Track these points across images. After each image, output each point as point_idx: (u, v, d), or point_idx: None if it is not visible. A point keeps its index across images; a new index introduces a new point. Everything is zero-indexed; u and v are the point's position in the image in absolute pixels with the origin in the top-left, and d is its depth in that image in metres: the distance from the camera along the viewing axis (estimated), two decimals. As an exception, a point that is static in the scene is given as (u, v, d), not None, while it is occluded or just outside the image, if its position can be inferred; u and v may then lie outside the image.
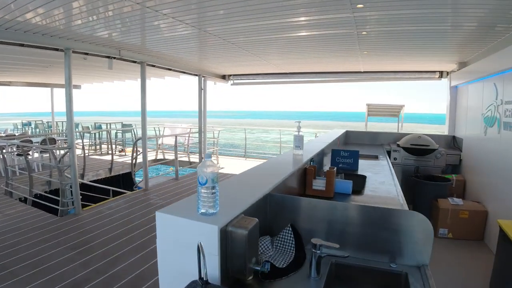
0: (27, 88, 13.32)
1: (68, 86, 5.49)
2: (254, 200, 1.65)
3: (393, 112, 10.85)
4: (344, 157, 4.16)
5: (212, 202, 1.33)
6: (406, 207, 2.41)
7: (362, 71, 8.81)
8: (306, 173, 2.81)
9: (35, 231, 4.92)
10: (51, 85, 13.43)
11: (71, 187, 5.81)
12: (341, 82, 9.54)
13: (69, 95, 5.54)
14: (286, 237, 1.75)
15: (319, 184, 2.79)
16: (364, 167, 4.22)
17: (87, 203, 6.92)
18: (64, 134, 12.26)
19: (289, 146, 13.64)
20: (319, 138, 5.67)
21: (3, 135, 12.00)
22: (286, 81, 9.79)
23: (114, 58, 6.52)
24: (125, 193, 8.04)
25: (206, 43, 5.78)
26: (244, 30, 4.86)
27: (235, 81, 10.15)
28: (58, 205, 5.75)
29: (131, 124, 14.11)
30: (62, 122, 16.52)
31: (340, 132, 6.50)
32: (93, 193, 7.63)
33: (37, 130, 16.22)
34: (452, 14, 3.97)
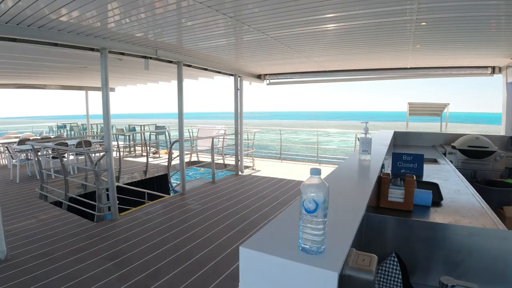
0: (62, 91, 13.48)
1: (105, 88, 5.31)
2: (357, 224, 1.27)
3: (436, 111, 10.22)
4: (407, 162, 3.72)
5: (321, 236, 0.97)
6: (502, 225, 1.98)
7: (408, 67, 8.25)
8: (381, 182, 2.41)
9: (70, 238, 4.74)
10: (86, 88, 13.57)
11: (107, 191, 5.64)
12: (385, 79, 9.00)
13: (106, 97, 5.36)
14: (390, 269, 1.37)
15: (396, 195, 2.38)
16: (427, 172, 3.77)
17: (123, 207, 6.81)
18: (99, 137, 12.30)
19: (325, 147, 13.13)
20: (373, 139, 5.22)
21: (39, 137, 12.17)
22: (324, 79, 9.35)
23: (151, 58, 6.32)
24: (161, 196, 7.86)
25: (245, 39, 5.43)
26: (290, 24, 4.50)
27: (271, 81, 9.80)
28: (94, 210, 5.59)
29: (164, 126, 14.04)
30: (97, 124, 16.74)
31: (390, 133, 6.02)
32: (128, 196, 7.49)
33: (72, 132, 16.49)
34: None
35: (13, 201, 6.69)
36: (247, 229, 4.95)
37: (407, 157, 3.74)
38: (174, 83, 11.56)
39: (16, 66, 7.65)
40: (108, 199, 5.77)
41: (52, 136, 13.00)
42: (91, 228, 5.11)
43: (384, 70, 8.60)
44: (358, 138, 9.74)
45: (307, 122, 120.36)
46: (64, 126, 17.47)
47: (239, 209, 5.95)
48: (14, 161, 8.82)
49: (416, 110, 10.19)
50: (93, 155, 6.67)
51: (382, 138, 4.97)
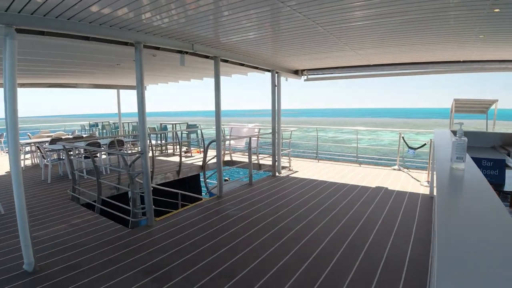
0: (93, 90, 13.42)
1: (140, 85, 4.94)
2: None
3: (482, 108, 9.44)
4: (487, 168, 3.16)
5: None
6: None
7: (462, 60, 7.51)
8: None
9: (103, 247, 4.39)
10: (117, 87, 13.48)
11: (142, 193, 5.29)
12: (432, 73, 8.24)
13: (141, 95, 5.00)
14: None
15: None
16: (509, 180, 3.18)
17: (157, 208, 6.48)
18: (131, 136, 12.12)
19: (363, 147, 12.46)
20: (435, 141, 4.60)
21: (71, 136, 12.12)
22: (367, 74, 8.70)
23: (187, 53, 5.94)
24: (195, 199, 7.52)
25: (288, 27, 4.91)
26: (344, 9, 3.97)
27: (309, 76, 9.25)
28: (128, 214, 5.25)
29: (196, 124, 13.73)
30: (128, 123, 16.69)
31: (447, 133, 5.38)
32: (161, 197, 7.17)
33: (104, 131, 16.49)
34: None
35: (45, 203, 6.48)
36: (292, 241, 4.44)
37: (487, 162, 3.18)
38: (206, 80, 11.27)
39: (48, 64, 7.46)
40: (142, 203, 5.43)
41: (84, 135, 12.96)
42: (125, 236, 4.77)
43: (432, 64, 7.89)
44: (402, 137, 9.05)
45: (337, 120, 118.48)
46: (96, 125, 17.53)
47: (281, 216, 5.46)
48: (45, 161, 8.69)
49: (463, 107, 9.43)
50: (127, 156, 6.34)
51: (444, 138, 4.34)
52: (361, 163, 10.03)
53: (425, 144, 8.77)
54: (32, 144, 11.09)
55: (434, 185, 4.95)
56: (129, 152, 10.30)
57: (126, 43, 5.02)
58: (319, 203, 6.12)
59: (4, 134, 14.67)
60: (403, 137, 9.09)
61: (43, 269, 3.81)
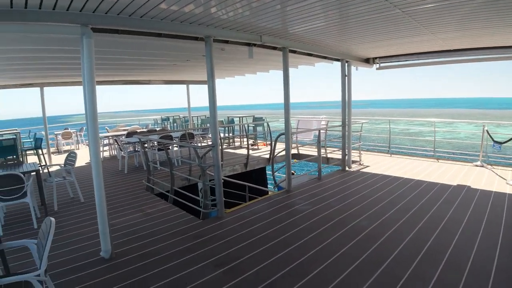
0: (164, 86, 14.02)
1: (211, 79, 4.98)
2: None
3: None
4: None
5: None
6: None
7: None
8: None
9: (175, 236, 4.53)
10: (187, 82, 13.93)
11: (212, 185, 5.35)
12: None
13: (212, 89, 5.03)
14: None
15: None
16: None
17: (225, 199, 6.54)
18: (200, 129, 12.45)
19: (440, 141, 11.62)
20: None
21: (145, 130, 12.77)
22: (447, 60, 7.95)
23: (255, 45, 5.86)
24: (263, 191, 7.49)
25: (360, 11, 4.58)
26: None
27: (382, 65, 8.71)
28: (198, 204, 5.35)
29: (262, 117, 13.73)
30: (197, 117, 17.22)
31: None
32: (229, 188, 7.23)
33: (175, 125, 17.18)
34: None
35: (122, 192, 6.90)
36: (366, 241, 4.16)
37: None
38: (273, 72, 11.18)
39: (123, 62, 7.86)
40: (212, 194, 5.50)
41: (157, 129, 13.59)
42: (197, 226, 4.85)
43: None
44: (487, 130, 8.18)
45: (406, 111, 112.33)
46: (168, 119, 18.33)
47: (353, 214, 5.18)
48: (122, 153, 9.22)
49: None
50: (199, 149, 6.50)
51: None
52: (439, 158, 9.28)
53: (513, 138, 7.81)
54: (110, 137, 11.89)
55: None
56: (199, 144, 10.61)
57: (196, 38, 5.07)
58: (395, 201, 5.73)
59: (84, 128, 15.95)
60: (487, 130, 8.20)
61: (119, 256, 4.01)
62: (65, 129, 14.79)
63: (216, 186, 5.09)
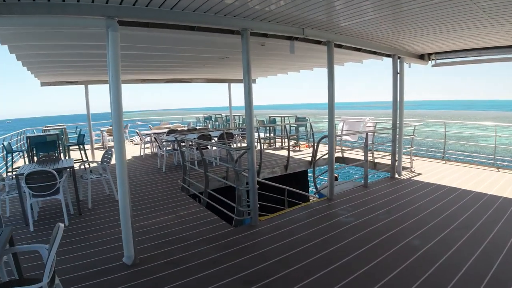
0: (207, 85, 13.87)
1: (247, 75, 4.56)
2: None
3: None
4: None
5: None
6: None
7: None
8: None
9: (205, 244, 4.19)
10: (228, 81, 13.71)
11: (247, 186, 4.94)
12: None
13: (248, 86, 4.61)
14: None
15: None
16: None
17: (262, 203, 6.16)
18: (241, 129, 12.14)
19: (503, 148, 10.52)
20: None
21: (186, 128, 12.67)
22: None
23: (297, 39, 5.39)
24: (303, 196, 7.00)
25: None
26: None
27: (438, 61, 7.87)
28: (233, 210, 4.97)
29: (305, 118, 13.18)
30: (239, 116, 16.98)
31: None
32: (267, 191, 6.81)
33: (217, 123, 17.05)
34: None
35: (156, 192, 6.75)
36: (421, 264, 3.55)
37: None
38: (317, 70, 10.61)
39: (157, 60, 7.66)
40: (248, 198, 5.10)
41: (197, 127, 13.46)
42: (228, 234, 4.48)
43: None
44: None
45: (459, 113, 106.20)
46: (210, 118, 18.26)
47: (404, 230, 4.54)
48: (161, 151, 9.09)
49: None
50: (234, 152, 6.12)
51: None
52: (499, 167, 8.27)
53: None
54: (152, 134, 11.87)
55: None
56: (238, 145, 10.27)
57: (232, 32, 4.69)
58: (452, 216, 5.01)
59: (130, 125, 16.20)
60: None
61: (143, 263, 3.74)
62: (110, 125, 15.09)
63: (250, 192, 4.69)
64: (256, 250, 3.99)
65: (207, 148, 9.28)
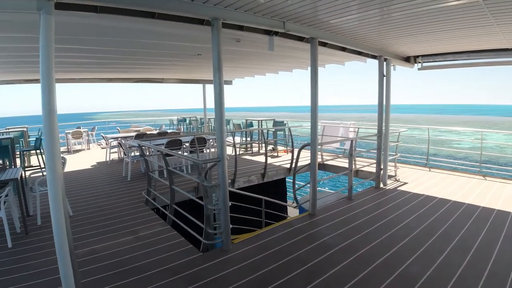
0: (181, 85, 13.08)
1: (218, 72, 3.86)
2: None
3: None
4: None
5: None
6: None
7: None
8: None
9: (163, 278, 3.44)
10: (203, 81, 13.00)
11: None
12: None
13: (218, 86, 3.91)
14: None
15: None
16: None
17: (237, 216, 5.59)
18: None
19: (489, 154, 10.23)
20: None
21: (155, 132, 11.82)
22: (504, 61, 6.66)
23: (276, 34, 4.75)
24: (281, 206, 6.36)
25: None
26: None
27: (425, 64, 7.42)
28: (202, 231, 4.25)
29: (283, 122, 12.56)
30: (214, 119, 16.25)
31: None
32: (243, 202, 6.16)
33: (191, 126, 16.23)
34: None
35: (118, 205, 5.94)
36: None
37: None
38: (296, 71, 10.04)
39: (124, 56, 6.87)
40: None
41: (169, 131, 12.63)
42: (194, 263, 3.77)
43: None
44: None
45: (431, 117, 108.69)
46: (184, 120, 17.41)
47: (399, 252, 3.96)
48: (126, 157, 8.25)
49: None
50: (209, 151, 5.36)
51: None
52: (486, 175, 7.90)
53: None
54: (119, 138, 10.97)
55: None
56: (213, 150, 9.54)
57: (201, 22, 3.98)
58: (449, 233, 4.48)
59: (97, 127, 15.17)
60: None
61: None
62: (77, 127, 13.99)
63: (221, 212, 3.99)
64: (228, 284, 3.31)
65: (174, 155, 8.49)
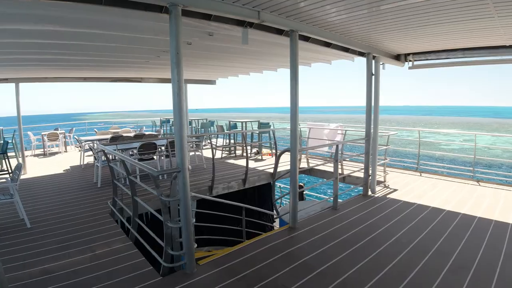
0: (160, 85, 12.42)
1: (176, 67, 3.26)
2: None
3: None
4: None
5: None
6: None
7: None
8: None
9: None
10: (185, 81, 12.35)
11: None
12: None
13: (177, 83, 3.30)
14: None
15: None
16: None
17: (218, 225, 5.02)
18: (193, 137, 10.74)
19: (484, 158, 9.76)
20: None
21: (132, 134, 11.18)
22: (503, 59, 6.23)
23: (251, 26, 4.19)
24: (265, 215, 5.81)
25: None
26: None
27: (416, 63, 6.94)
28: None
29: (268, 123, 12.00)
30: (198, 120, 15.64)
31: None
32: (221, 211, 5.62)
33: (173, 128, 15.57)
34: None
35: (80, 216, 5.37)
36: None
37: None
38: (281, 71, 9.52)
39: (83, 52, 6.19)
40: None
41: (146, 133, 11.97)
42: (151, 289, 3.20)
43: None
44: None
45: (413, 118, 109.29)
46: (168, 121, 16.76)
47: (391, 275, 3.44)
48: (97, 162, 7.61)
49: None
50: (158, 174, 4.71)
51: None
52: (481, 180, 7.47)
53: None
54: (95, 141, 10.30)
55: None
56: (191, 154, 8.95)
57: (160, 8, 3.42)
58: (443, 252, 3.98)
59: (74, 129, 14.46)
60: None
61: None
62: (55, 129, 13.25)
63: (183, 230, 3.41)
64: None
65: (153, 158, 7.90)
